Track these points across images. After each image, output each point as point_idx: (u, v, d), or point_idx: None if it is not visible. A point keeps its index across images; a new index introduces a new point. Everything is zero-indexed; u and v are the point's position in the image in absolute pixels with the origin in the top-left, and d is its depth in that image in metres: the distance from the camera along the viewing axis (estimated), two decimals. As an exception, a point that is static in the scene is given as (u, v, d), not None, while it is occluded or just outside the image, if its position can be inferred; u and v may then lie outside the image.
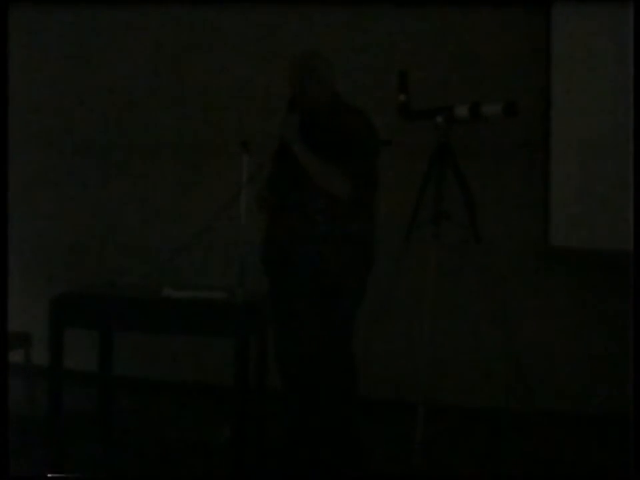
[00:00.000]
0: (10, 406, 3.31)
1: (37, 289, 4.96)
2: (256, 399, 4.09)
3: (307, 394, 3.82)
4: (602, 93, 4.47)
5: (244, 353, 3.69)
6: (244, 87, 5.16)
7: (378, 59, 4.91)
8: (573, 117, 4.58)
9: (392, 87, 4.38)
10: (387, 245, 3.90)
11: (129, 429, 4.43)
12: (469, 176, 4.32)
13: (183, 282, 4.15)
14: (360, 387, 3.80)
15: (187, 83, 5.27)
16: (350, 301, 3.73)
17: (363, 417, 3.91)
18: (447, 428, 4.61)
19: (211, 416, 4.71)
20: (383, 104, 4.16)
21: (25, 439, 4.09)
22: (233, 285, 3.86)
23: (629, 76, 4.09)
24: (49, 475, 3.52)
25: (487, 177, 4.73)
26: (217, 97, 5.22)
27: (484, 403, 4.84)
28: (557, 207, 4.64)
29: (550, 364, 4.80)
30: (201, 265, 5.02)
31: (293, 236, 3.74)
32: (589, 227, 4.54)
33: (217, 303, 3.80)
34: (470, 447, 4.44)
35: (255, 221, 3.79)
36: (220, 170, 5.03)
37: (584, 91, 4.54)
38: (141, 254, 5.18)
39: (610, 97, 4.43)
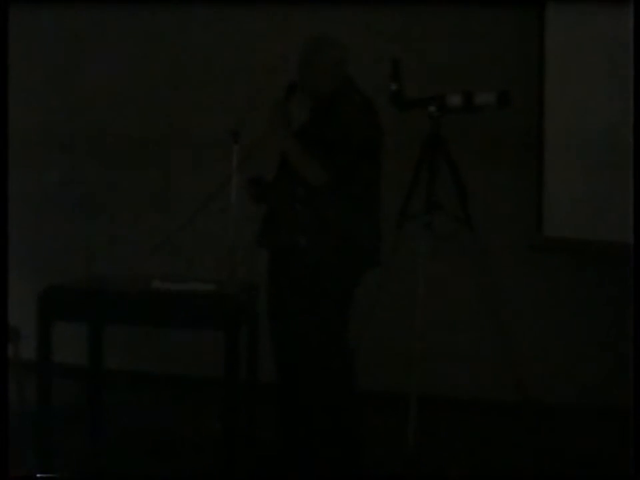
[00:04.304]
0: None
1: (24, 283, 4.92)
2: (247, 392, 4.07)
3: (302, 388, 3.80)
4: (595, 84, 4.46)
5: (234, 346, 3.65)
6: (234, 78, 5.13)
7: (370, 47, 4.88)
8: (566, 108, 4.57)
9: (384, 75, 4.35)
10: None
11: (118, 422, 4.40)
12: (461, 165, 4.30)
13: (172, 274, 4.12)
14: (355, 380, 3.78)
15: (178, 76, 5.23)
16: (331, 293, 3.67)
17: (356, 410, 3.88)
18: (439, 420, 4.59)
19: (201, 409, 4.69)
20: (375, 93, 4.13)
21: (13, 434, 4.06)
22: (224, 276, 3.83)
23: (621, 68, 4.09)
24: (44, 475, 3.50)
25: (479, 167, 4.72)
26: (207, 88, 5.19)
27: (477, 395, 4.82)
28: (550, 197, 4.63)
29: (543, 355, 4.80)
30: (191, 256, 4.99)
31: (278, 223, 3.72)
32: (583, 217, 4.54)
33: (207, 295, 3.76)
34: (463, 440, 4.43)
35: (245, 212, 3.76)
36: (210, 161, 5.00)
37: (577, 81, 4.52)
38: (130, 246, 5.14)
39: (603, 88, 4.42)
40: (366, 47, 4.85)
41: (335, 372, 3.72)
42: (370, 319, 4.32)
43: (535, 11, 4.63)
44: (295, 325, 3.74)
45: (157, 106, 5.26)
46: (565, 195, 4.61)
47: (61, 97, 5.39)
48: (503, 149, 4.83)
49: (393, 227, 4.28)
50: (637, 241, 3.30)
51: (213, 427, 3.96)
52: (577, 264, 4.73)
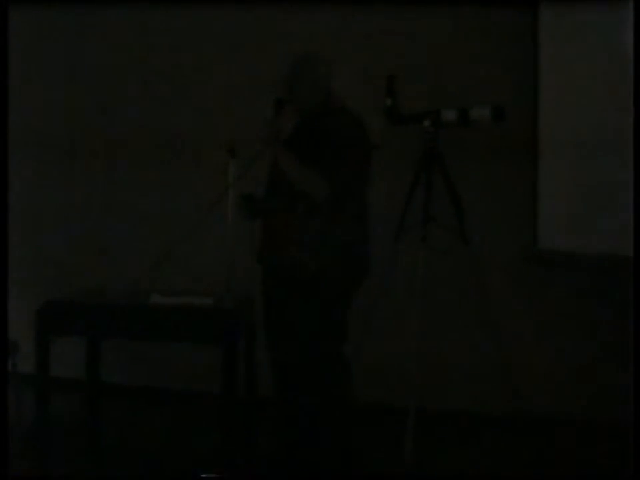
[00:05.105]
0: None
1: (23, 296, 4.92)
2: (245, 406, 4.07)
3: (300, 400, 3.81)
4: (591, 95, 4.45)
5: (232, 360, 3.67)
6: (232, 88, 5.14)
7: (365, 62, 4.90)
8: (561, 120, 4.56)
9: (380, 91, 4.37)
10: (375, 248, 3.89)
11: (116, 436, 4.40)
12: (457, 179, 4.32)
13: (170, 288, 4.12)
14: (352, 391, 3.79)
15: (176, 85, 5.24)
16: (330, 302, 3.70)
17: (353, 421, 3.89)
18: (437, 432, 4.59)
19: (199, 423, 4.69)
20: (371, 108, 4.15)
21: (11, 447, 4.07)
22: (221, 290, 3.83)
23: (618, 76, 4.09)
24: None
25: (475, 180, 4.72)
26: (205, 99, 5.19)
27: (473, 407, 4.82)
28: (545, 210, 4.63)
29: (539, 367, 4.79)
30: (189, 270, 4.99)
31: (279, 238, 3.73)
32: (578, 230, 4.52)
33: (205, 309, 3.78)
34: (460, 452, 4.42)
35: (242, 226, 3.77)
36: (208, 174, 5.00)
37: (572, 92, 4.52)
38: (128, 260, 5.15)
39: (599, 99, 4.41)
40: (360, 62, 4.87)
41: (332, 384, 3.73)
42: (367, 331, 4.33)
43: (528, 15, 4.63)
44: (293, 337, 3.75)
45: (157, 113, 5.25)
46: (561, 208, 4.60)
47: (60, 101, 5.37)
48: (498, 161, 4.83)
49: (390, 239, 4.30)
50: (636, 250, 3.30)
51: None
52: (572, 276, 4.72)
